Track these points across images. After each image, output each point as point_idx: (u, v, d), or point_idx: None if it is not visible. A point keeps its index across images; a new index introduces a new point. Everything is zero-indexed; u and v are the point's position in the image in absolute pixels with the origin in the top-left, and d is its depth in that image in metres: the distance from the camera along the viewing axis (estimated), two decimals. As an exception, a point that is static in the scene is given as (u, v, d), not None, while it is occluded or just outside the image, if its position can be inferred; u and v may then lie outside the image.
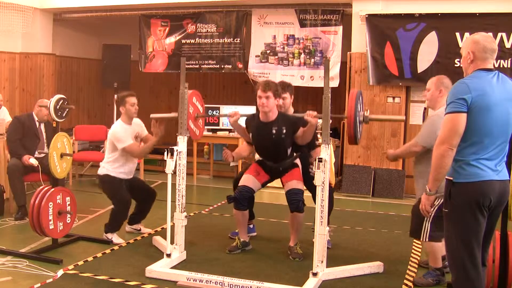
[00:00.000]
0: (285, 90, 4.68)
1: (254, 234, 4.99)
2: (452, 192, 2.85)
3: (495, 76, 2.86)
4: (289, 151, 4.46)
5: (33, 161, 5.50)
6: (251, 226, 4.97)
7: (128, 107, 4.87)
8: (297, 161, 4.57)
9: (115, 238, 4.78)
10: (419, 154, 3.98)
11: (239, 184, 4.52)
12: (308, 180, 4.46)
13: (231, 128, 7.73)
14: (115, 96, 4.96)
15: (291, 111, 4.75)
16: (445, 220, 2.93)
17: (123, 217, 4.86)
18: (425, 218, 3.69)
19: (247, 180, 4.51)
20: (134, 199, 4.96)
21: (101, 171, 4.89)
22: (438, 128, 3.73)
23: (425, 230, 3.77)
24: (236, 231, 4.77)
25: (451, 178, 2.85)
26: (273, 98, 4.30)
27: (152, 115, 4.69)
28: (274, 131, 4.34)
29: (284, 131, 4.34)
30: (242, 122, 4.62)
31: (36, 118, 5.85)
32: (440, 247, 3.80)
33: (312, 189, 4.52)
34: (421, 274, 4.00)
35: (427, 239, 3.79)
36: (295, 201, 4.32)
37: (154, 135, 4.77)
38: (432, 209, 3.60)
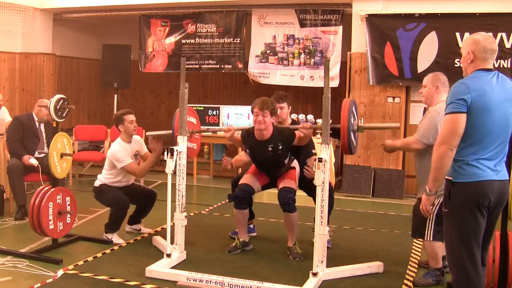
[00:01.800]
0: (283, 100, 4.71)
1: (255, 234, 4.99)
2: (452, 192, 2.85)
3: (495, 76, 2.86)
4: (286, 161, 4.52)
5: (33, 161, 5.50)
6: (252, 226, 4.97)
7: (127, 125, 4.85)
8: (295, 163, 4.58)
9: (115, 238, 4.78)
10: (418, 157, 3.97)
11: (240, 183, 4.52)
12: (305, 182, 4.50)
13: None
14: (113, 115, 4.99)
15: (288, 121, 4.80)
16: (444, 220, 2.93)
17: (121, 218, 4.86)
18: (428, 218, 3.68)
19: (248, 179, 4.53)
20: (134, 203, 4.97)
21: (97, 183, 4.91)
22: (437, 123, 3.74)
23: (429, 230, 3.77)
24: (236, 230, 4.77)
25: (451, 178, 2.85)
26: (269, 117, 4.31)
27: (148, 133, 4.75)
28: (270, 149, 4.38)
29: (280, 147, 4.38)
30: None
31: (36, 118, 5.85)
32: (441, 247, 3.80)
33: (310, 190, 4.53)
34: (421, 274, 4.00)
35: (430, 239, 3.78)
36: (285, 198, 4.32)
37: (152, 151, 4.79)
38: (433, 209, 3.62)
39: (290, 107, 4.83)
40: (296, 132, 4.37)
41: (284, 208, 4.35)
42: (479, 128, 2.78)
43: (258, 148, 4.45)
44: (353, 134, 4.00)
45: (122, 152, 4.80)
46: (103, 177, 4.89)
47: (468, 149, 2.81)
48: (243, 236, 4.58)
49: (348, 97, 7.10)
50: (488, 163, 2.81)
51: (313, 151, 4.60)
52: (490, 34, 3.01)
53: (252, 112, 4.39)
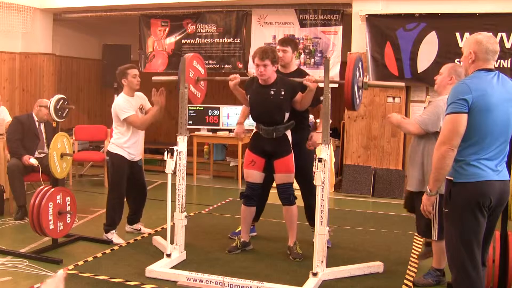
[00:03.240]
0: (287, 44, 4.66)
1: (255, 234, 4.99)
2: (453, 192, 2.85)
3: (495, 76, 2.86)
4: (286, 115, 4.34)
5: (33, 161, 5.50)
6: (252, 226, 4.96)
7: (130, 79, 4.82)
8: (291, 144, 4.41)
9: (115, 238, 4.77)
10: (416, 138, 3.89)
11: (246, 180, 4.52)
12: (301, 170, 4.47)
13: (231, 128, 7.74)
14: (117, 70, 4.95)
15: (293, 65, 4.76)
16: (445, 220, 2.93)
17: (116, 213, 4.83)
18: (432, 217, 3.66)
19: (250, 174, 4.47)
20: (127, 196, 4.98)
21: (111, 147, 4.85)
22: (441, 112, 3.65)
23: (434, 230, 3.75)
24: (236, 231, 4.76)
25: (452, 178, 2.85)
26: (271, 66, 4.24)
27: (154, 78, 4.77)
28: (272, 93, 4.29)
29: (283, 93, 4.28)
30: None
31: (36, 118, 5.85)
32: None
33: (302, 181, 4.59)
34: (421, 274, 4.00)
35: (436, 238, 3.76)
36: (286, 195, 4.38)
37: (155, 104, 4.77)
38: (433, 208, 3.60)
39: (295, 52, 4.78)
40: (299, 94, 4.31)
41: (284, 202, 4.40)
42: (480, 128, 2.78)
43: (260, 92, 4.35)
44: (357, 90, 3.93)
45: (125, 103, 4.77)
46: (114, 139, 4.83)
47: (469, 149, 2.81)
48: (245, 236, 4.56)
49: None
50: (489, 163, 2.81)
51: (321, 98, 4.21)
52: (491, 34, 3.00)
53: (253, 62, 4.34)
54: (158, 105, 4.77)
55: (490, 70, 2.86)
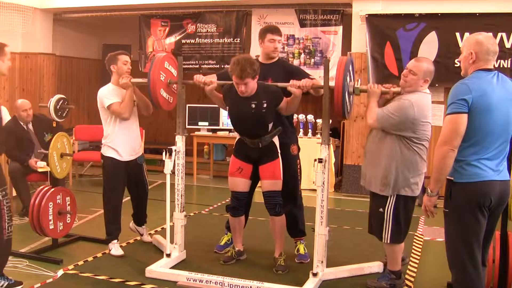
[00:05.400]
0: (281, 34, 4.27)
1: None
2: (453, 192, 2.85)
3: (495, 76, 2.86)
4: (270, 126, 4.00)
5: (40, 163, 5.45)
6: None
7: (120, 65, 4.42)
8: (278, 149, 4.12)
9: (114, 249, 4.46)
10: (379, 134, 3.65)
11: (231, 190, 4.22)
12: (284, 175, 4.13)
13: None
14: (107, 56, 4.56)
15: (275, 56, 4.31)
16: (445, 220, 2.92)
17: (114, 223, 4.52)
18: (385, 219, 3.58)
19: (237, 184, 4.18)
20: (128, 189, 4.67)
21: (103, 150, 4.51)
22: (409, 118, 3.43)
23: (387, 232, 3.60)
24: (222, 243, 4.55)
25: (452, 178, 2.85)
26: (252, 81, 3.84)
27: (132, 80, 4.36)
28: (253, 106, 3.91)
29: (265, 105, 3.91)
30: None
31: (21, 122, 5.80)
32: (402, 249, 3.72)
33: (284, 187, 4.14)
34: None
35: (388, 241, 3.63)
36: (271, 205, 4.09)
37: (124, 88, 4.40)
38: (388, 209, 3.56)
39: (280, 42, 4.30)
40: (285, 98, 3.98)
41: (270, 212, 4.13)
42: (480, 128, 2.78)
43: (240, 104, 3.97)
44: (347, 95, 3.71)
45: (110, 91, 4.41)
46: (104, 139, 4.49)
47: (469, 149, 2.81)
48: (238, 245, 4.36)
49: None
50: (490, 163, 2.82)
51: (311, 77, 4.07)
52: (490, 34, 2.99)
53: (230, 75, 3.90)
54: (128, 87, 4.37)
55: (490, 70, 2.86)
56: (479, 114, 2.76)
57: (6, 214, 3.58)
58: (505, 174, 2.89)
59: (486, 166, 2.81)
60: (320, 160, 3.71)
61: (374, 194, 3.71)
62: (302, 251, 4.42)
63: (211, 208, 6.35)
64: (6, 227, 3.59)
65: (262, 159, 4.10)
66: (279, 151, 4.12)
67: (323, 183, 3.75)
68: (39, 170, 5.40)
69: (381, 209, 3.60)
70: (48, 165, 4.63)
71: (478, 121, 2.77)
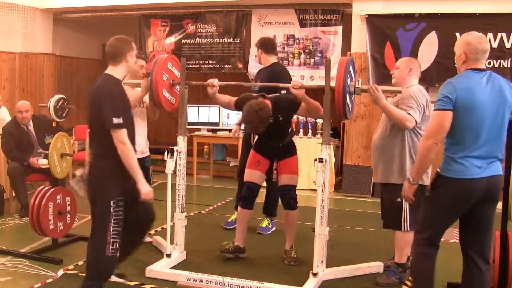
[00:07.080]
0: (272, 52, 5.04)
1: (274, 229, 5.14)
2: (437, 183, 3.00)
3: (486, 76, 2.93)
4: (289, 130, 4.35)
5: (42, 161, 5.46)
6: (272, 220, 5.19)
7: (136, 68, 4.31)
8: (296, 146, 4.39)
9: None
10: (390, 129, 3.81)
11: (246, 180, 4.37)
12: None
13: (231, 128, 7.73)
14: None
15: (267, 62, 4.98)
16: (425, 203, 3.10)
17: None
18: (403, 209, 3.71)
19: (253, 175, 4.33)
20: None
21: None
22: (422, 99, 3.71)
23: (405, 221, 3.74)
24: (229, 220, 4.71)
25: (439, 171, 3.00)
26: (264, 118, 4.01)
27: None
28: (271, 121, 4.07)
29: (281, 118, 4.16)
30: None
31: (21, 124, 5.80)
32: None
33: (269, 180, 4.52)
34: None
35: (408, 228, 3.73)
36: (287, 199, 4.28)
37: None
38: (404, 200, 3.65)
39: (261, 50, 5.07)
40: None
41: (285, 206, 4.30)
42: (465, 126, 2.88)
43: None
44: (349, 96, 3.76)
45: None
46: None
47: (456, 146, 2.92)
48: (239, 241, 4.37)
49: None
50: (476, 161, 2.90)
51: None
52: (480, 33, 3.03)
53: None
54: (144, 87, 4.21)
55: (481, 70, 2.94)
56: (465, 112, 2.86)
57: (112, 228, 3.37)
58: (493, 169, 2.94)
59: (471, 164, 2.89)
60: (321, 160, 3.72)
61: (388, 188, 3.80)
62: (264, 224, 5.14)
63: (211, 208, 6.35)
64: (111, 242, 3.34)
65: (281, 155, 4.32)
66: (296, 148, 4.36)
67: (323, 183, 3.75)
68: (42, 166, 5.43)
69: (398, 199, 3.64)
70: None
71: (464, 119, 2.86)
